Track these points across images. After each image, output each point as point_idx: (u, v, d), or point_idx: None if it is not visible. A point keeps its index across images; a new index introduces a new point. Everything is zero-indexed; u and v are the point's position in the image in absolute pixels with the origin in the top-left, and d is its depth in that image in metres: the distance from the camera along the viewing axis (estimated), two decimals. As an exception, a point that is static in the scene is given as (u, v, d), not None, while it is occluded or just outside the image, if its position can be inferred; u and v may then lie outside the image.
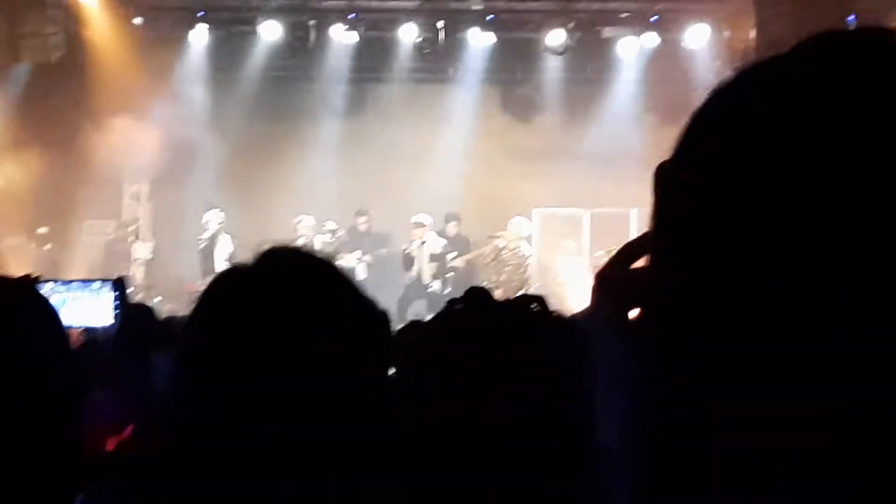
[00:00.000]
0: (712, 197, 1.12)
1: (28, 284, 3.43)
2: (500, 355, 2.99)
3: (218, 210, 20.77)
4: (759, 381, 1.08)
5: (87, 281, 4.94)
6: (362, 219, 21.22)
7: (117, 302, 4.81)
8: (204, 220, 20.81)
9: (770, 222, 1.07)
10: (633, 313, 1.29)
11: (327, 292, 2.17)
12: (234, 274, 2.21)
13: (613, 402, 1.35)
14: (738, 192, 1.09)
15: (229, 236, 20.57)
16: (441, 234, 20.76)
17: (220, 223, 20.67)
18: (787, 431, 1.07)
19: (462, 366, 2.95)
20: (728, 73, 1.22)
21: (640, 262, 1.34)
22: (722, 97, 1.19)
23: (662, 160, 1.31)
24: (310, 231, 20.40)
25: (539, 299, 4.33)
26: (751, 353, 1.08)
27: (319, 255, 2.27)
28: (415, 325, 5.65)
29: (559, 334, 3.44)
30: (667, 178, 1.23)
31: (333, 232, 20.47)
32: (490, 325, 3.10)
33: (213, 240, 20.67)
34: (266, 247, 2.22)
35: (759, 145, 1.09)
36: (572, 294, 19.83)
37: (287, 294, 2.13)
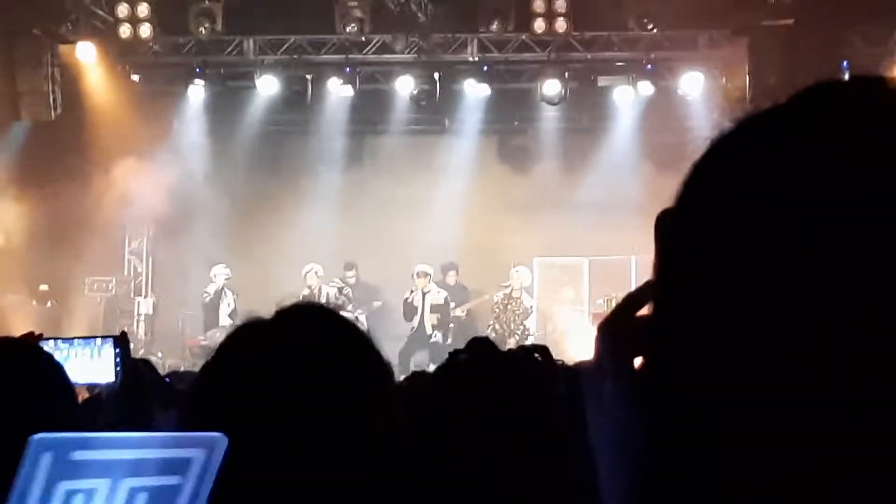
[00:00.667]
0: (710, 250, 1.13)
1: (34, 344, 3.45)
2: (505, 405, 2.99)
3: (223, 266, 20.80)
4: (756, 440, 1.08)
5: (88, 338, 4.93)
6: (350, 272, 21.22)
7: (119, 358, 4.80)
8: (211, 273, 20.84)
9: (767, 278, 1.07)
10: (637, 362, 1.29)
11: (341, 347, 2.18)
12: (251, 329, 2.22)
13: (614, 453, 1.35)
14: (736, 248, 1.10)
15: (231, 292, 20.61)
16: (440, 284, 20.78)
17: (226, 278, 20.72)
18: (786, 490, 1.07)
19: (467, 416, 2.96)
20: (724, 123, 1.22)
21: (643, 311, 1.35)
22: (721, 150, 1.20)
23: (664, 208, 1.31)
24: (317, 281, 20.45)
25: (542, 349, 4.34)
26: (746, 411, 1.09)
27: (333, 309, 2.29)
28: (418, 376, 5.65)
29: (562, 384, 3.45)
30: (667, 229, 1.23)
31: (340, 290, 20.47)
32: (494, 375, 3.11)
33: (217, 294, 20.69)
34: (286, 303, 2.23)
35: (757, 200, 1.10)
36: (573, 343, 19.81)
37: (302, 348, 2.14)
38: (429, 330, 20.16)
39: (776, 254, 1.07)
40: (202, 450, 1.53)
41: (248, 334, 2.21)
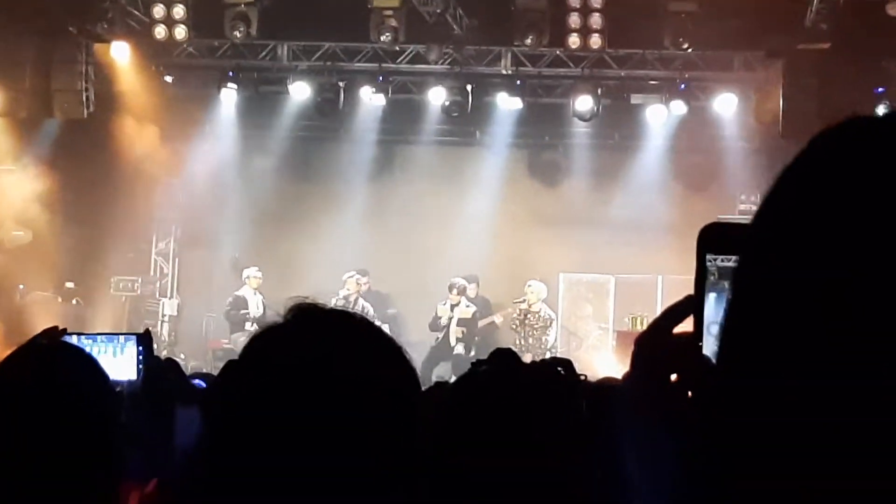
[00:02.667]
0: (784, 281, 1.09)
1: (62, 342, 3.45)
2: (526, 417, 2.98)
3: (256, 269, 20.80)
4: (802, 479, 1.05)
5: (112, 335, 4.94)
6: (364, 279, 21.20)
7: (141, 356, 4.81)
8: (244, 276, 20.84)
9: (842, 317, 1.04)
10: (673, 379, 1.27)
11: (366, 352, 2.16)
12: (273, 332, 2.20)
13: (650, 472, 1.33)
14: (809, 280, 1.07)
15: (261, 296, 20.61)
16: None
17: (259, 281, 20.72)
18: None
19: (487, 427, 2.94)
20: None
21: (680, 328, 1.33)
22: (798, 182, 1.16)
23: (709, 222, 1.29)
24: (356, 287, 20.49)
25: (565, 363, 4.32)
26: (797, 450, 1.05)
27: (357, 314, 2.27)
28: (440, 387, 5.64)
29: (584, 398, 3.43)
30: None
31: (346, 297, 20.44)
32: (516, 387, 3.09)
33: (246, 299, 20.68)
34: (303, 303, 2.21)
35: (835, 236, 1.06)
36: (597, 360, 19.77)
37: (325, 354, 2.12)
38: (453, 342, 20.14)
39: (845, 293, 1.04)
40: None
41: (273, 335, 2.19)
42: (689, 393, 1.37)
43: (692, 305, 1.45)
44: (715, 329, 1.46)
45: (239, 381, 2.18)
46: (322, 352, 2.11)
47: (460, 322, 20.24)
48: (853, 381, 1.04)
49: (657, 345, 1.36)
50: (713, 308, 1.46)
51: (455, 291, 20.31)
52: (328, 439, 2.03)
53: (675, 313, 1.41)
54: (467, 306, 20.32)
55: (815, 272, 1.07)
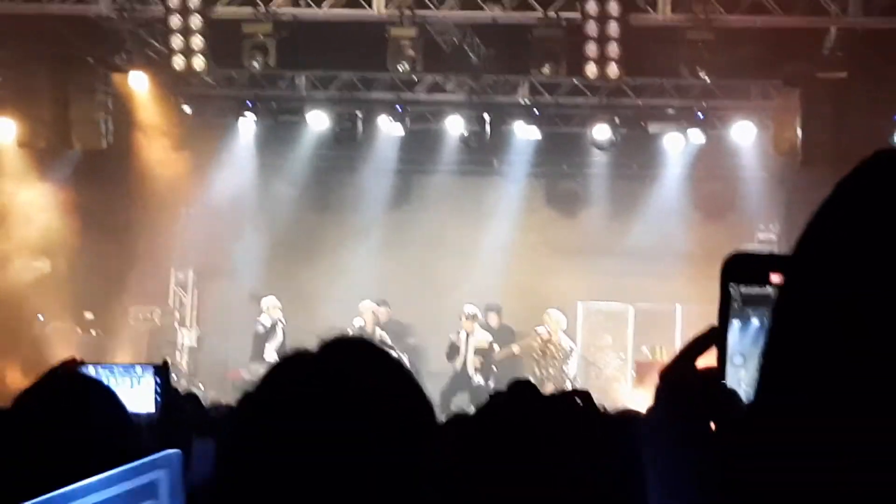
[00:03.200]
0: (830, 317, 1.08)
1: (82, 374, 3.45)
2: (545, 450, 2.96)
3: (275, 298, 20.77)
4: None
5: (129, 366, 4.93)
6: (383, 309, 21.19)
7: (159, 388, 4.79)
8: (263, 305, 20.81)
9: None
10: (699, 417, 1.25)
11: (386, 383, 2.15)
12: (295, 361, 2.19)
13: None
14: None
15: (282, 324, 20.59)
16: (483, 325, 20.72)
17: (280, 311, 20.70)
18: None
19: (505, 459, 2.92)
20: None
21: (704, 360, 1.31)
22: (846, 208, 1.15)
23: (733, 252, 1.27)
24: (372, 317, 20.46)
25: (584, 394, 4.29)
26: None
27: (379, 345, 2.26)
28: (459, 419, 5.61)
29: (604, 430, 3.40)
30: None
31: (362, 328, 20.41)
32: (533, 419, 3.07)
33: (272, 328, 20.64)
34: (333, 337, 2.21)
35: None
36: (616, 390, 19.72)
37: (345, 383, 2.11)
38: (471, 372, 20.08)
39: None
40: (163, 470, 1.52)
41: (292, 366, 2.19)
42: (713, 426, 1.35)
43: (715, 336, 1.43)
44: (738, 360, 1.44)
45: (253, 413, 2.17)
46: (340, 382, 2.10)
47: (477, 352, 20.18)
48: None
49: (681, 378, 1.34)
50: (737, 338, 1.44)
51: (468, 320, 20.22)
52: (341, 474, 2.02)
53: (698, 345, 1.39)
54: (483, 335, 20.25)
55: (860, 299, 1.05)
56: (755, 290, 1.43)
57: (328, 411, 2.06)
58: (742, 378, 1.31)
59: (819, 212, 1.17)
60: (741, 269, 1.47)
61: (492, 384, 19.71)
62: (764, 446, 1.12)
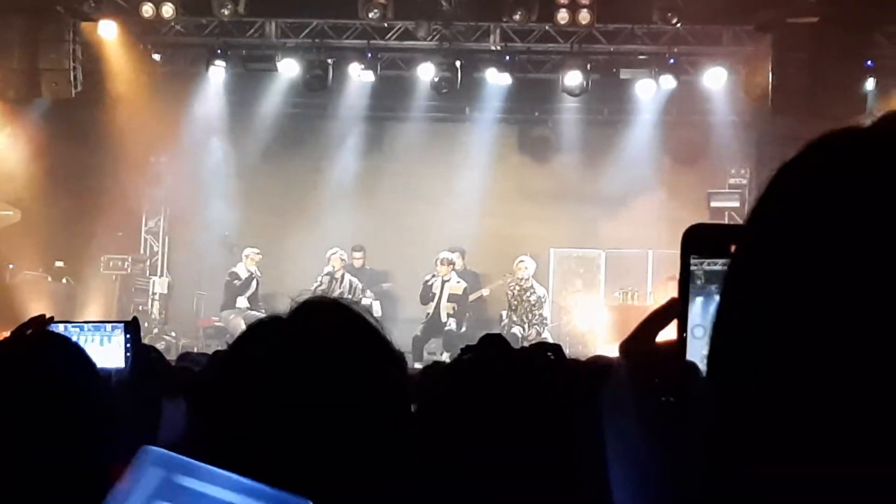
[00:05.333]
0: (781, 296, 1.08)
1: (50, 331, 3.45)
2: (517, 404, 2.97)
3: (256, 251, 20.63)
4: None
5: (99, 323, 4.93)
6: (358, 254, 21.19)
7: (129, 344, 4.79)
8: (243, 255, 20.67)
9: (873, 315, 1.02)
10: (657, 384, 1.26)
11: (356, 343, 2.17)
12: (266, 325, 2.21)
13: (630, 475, 1.32)
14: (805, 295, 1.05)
15: (257, 274, 20.50)
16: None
17: (257, 259, 20.57)
18: None
19: (476, 415, 2.94)
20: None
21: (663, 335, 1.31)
22: (796, 184, 1.14)
23: (694, 224, 1.27)
24: (340, 263, 20.42)
25: (555, 347, 4.31)
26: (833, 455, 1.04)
27: (348, 304, 2.27)
28: (436, 367, 5.63)
29: (575, 382, 3.42)
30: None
31: (331, 274, 20.38)
32: (505, 374, 3.08)
33: (243, 280, 20.50)
34: (308, 299, 2.23)
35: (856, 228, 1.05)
36: (588, 335, 19.79)
37: (315, 344, 2.13)
38: (444, 318, 20.09)
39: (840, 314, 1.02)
40: None
41: (263, 330, 2.21)
42: (673, 398, 1.36)
43: (676, 309, 1.43)
44: (700, 332, 1.45)
45: (225, 376, 2.19)
46: (310, 344, 2.12)
47: (451, 298, 20.17)
48: (848, 386, 1.03)
49: (641, 351, 1.35)
50: (699, 312, 1.44)
51: (443, 265, 20.19)
52: (314, 433, 2.04)
53: (658, 318, 1.40)
54: (458, 282, 20.25)
55: (809, 277, 1.06)
56: (718, 264, 1.42)
57: (300, 372, 2.08)
58: (703, 351, 1.32)
59: (770, 184, 1.17)
60: (701, 241, 1.46)
61: (464, 328, 19.77)
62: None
